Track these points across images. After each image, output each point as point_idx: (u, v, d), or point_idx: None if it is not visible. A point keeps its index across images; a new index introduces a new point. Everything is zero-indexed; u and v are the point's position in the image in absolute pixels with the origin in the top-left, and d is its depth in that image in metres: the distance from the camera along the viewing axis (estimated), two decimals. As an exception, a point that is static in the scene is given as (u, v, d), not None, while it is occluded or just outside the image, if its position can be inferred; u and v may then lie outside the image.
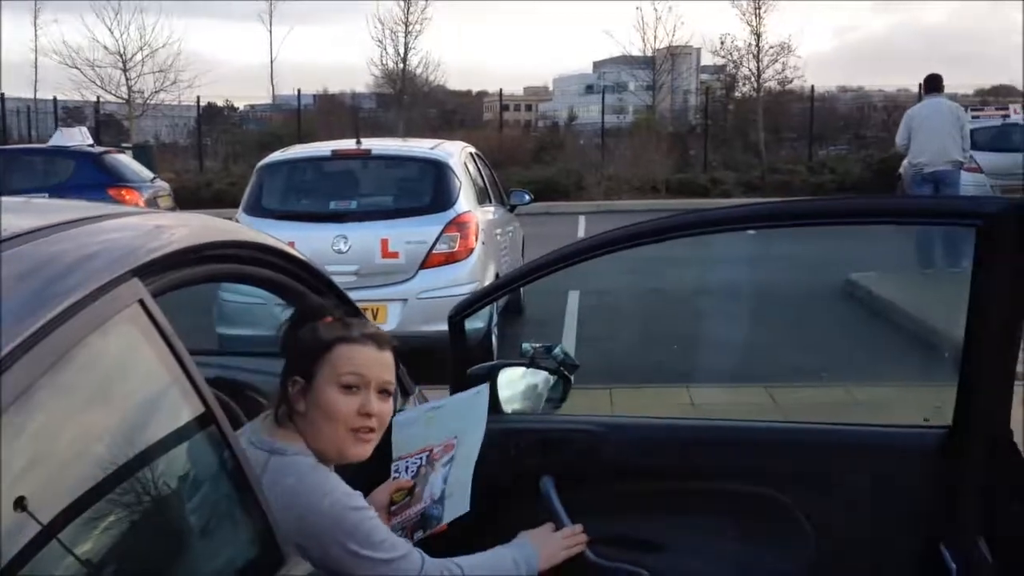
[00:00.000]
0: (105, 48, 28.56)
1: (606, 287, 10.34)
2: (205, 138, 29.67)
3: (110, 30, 28.81)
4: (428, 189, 7.44)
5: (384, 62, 32.12)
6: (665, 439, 2.52)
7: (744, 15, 28.79)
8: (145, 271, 1.40)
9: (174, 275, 1.51)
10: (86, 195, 12.36)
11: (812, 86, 29.49)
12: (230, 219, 7.66)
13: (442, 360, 2.76)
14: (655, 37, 32.46)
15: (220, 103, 39.41)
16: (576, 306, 9.94)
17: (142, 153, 19.78)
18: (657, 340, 8.69)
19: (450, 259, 7.14)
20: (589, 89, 64.59)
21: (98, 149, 15.14)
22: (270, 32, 51.02)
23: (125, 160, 15.11)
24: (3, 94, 27.74)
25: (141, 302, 1.36)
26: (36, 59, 33.49)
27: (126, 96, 28.82)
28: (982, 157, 13.30)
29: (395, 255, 7.05)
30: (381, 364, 2.03)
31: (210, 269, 1.67)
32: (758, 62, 28.01)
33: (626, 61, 39.32)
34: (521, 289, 8.32)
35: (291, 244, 8.19)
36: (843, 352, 8.19)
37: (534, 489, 2.44)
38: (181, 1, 64.88)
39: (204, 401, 1.43)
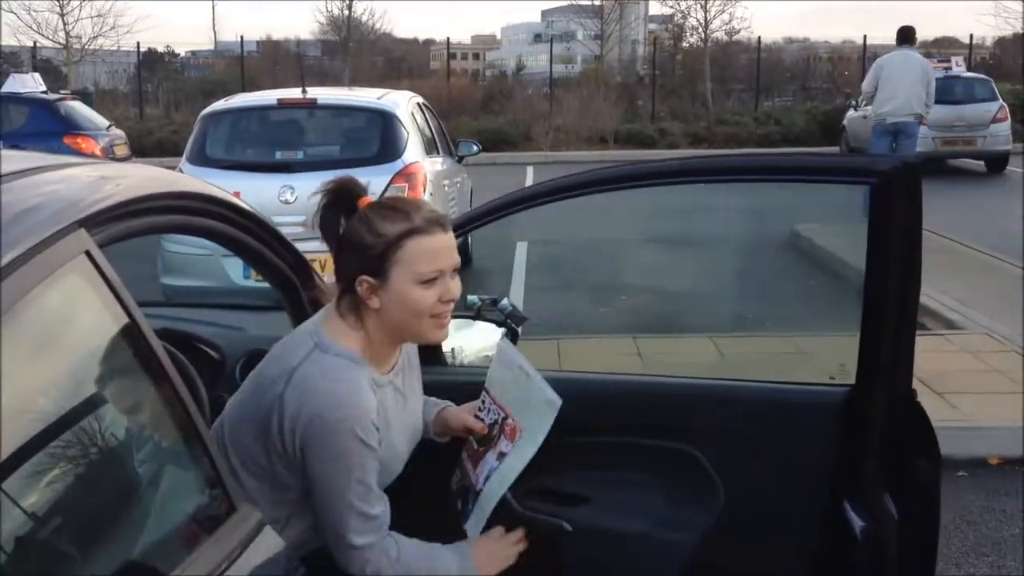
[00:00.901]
0: (41, -9, 27.80)
1: (554, 237, 10.36)
2: (146, 85, 29.07)
3: (46, -27, 28.02)
4: (375, 139, 7.37)
5: (329, 9, 31.68)
6: (590, 395, 2.54)
7: (692, -36, 28.70)
8: (91, 222, 1.39)
9: (120, 226, 1.50)
10: (42, 143, 12.10)
11: (759, 37, 29.63)
12: (173, 168, 7.55)
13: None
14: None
15: (161, 49, 38.66)
16: (524, 257, 9.96)
17: (81, 100, 19.34)
18: (605, 290, 8.75)
19: (398, 210, 7.11)
20: (537, 38, 64.17)
21: (52, 96, 14.77)
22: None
23: (80, 107, 14.77)
24: (-66, 38, 26.90)
25: (88, 253, 1.35)
26: (-32, 2, 32.46)
27: (63, 41, 28.11)
28: (925, 109, 13.45)
29: (342, 206, 7.01)
30: (451, 247, 1.97)
31: (156, 220, 1.66)
32: (705, 12, 28.00)
33: (574, 10, 39.09)
34: (468, 240, 8.32)
35: (237, 194, 8.09)
36: (786, 302, 8.32)
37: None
38: (119, -56, 63.02)
39: (153, 352, 1.43)
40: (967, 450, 4.96)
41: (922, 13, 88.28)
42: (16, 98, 14.00)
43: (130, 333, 1.40)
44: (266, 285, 2.52)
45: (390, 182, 7.07)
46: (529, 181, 17.15)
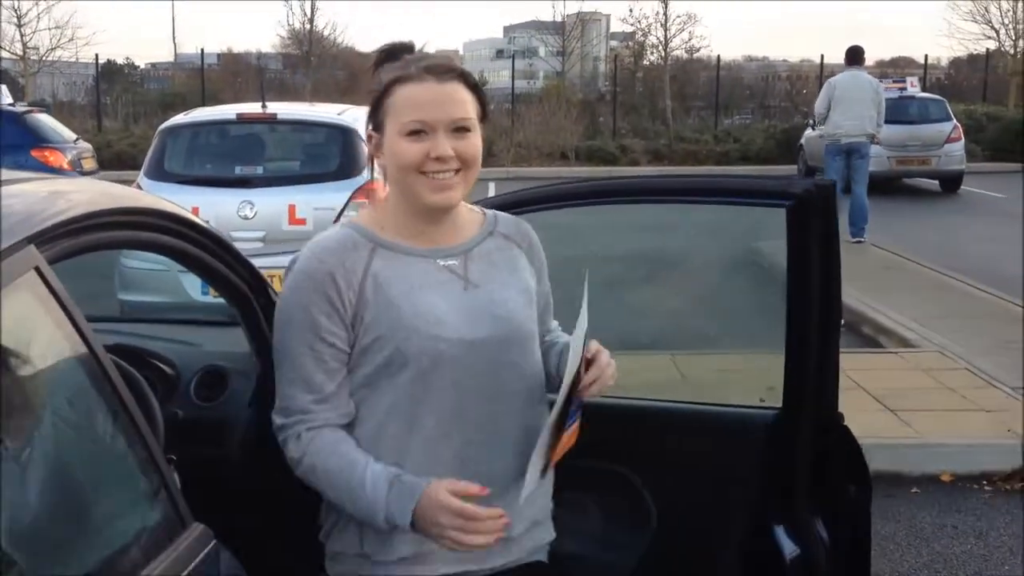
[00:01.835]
0: (-2, 2, 27.49)
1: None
2: (105, 97, 28.80)
3: (3, -17, 27.71)
4: (335, 155, 7.35)
5: (291, 22, 31.58)
6: None
7: (653, -17, 29.03)
8: (40, 238, 1.38)
9: (71, 242, 1.49)
10: (9, 156, 11.92)
11: (718, 56, 29.91)
12: (131, 181, 7.48)
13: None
14: (564, 4, 32.47)
15: (120, 61, 38.32)
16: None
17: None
18: (563, 307, 8.76)
19: (358, 225, 7.10)
20: (499, 54, 64.41)
21: (20, 108, 14.58)
22: (173, -11, 49.57)
23: (47, 120, 14.60)
24: None
25: (37, 269, 1.35)
26: (-77, 12, 32.02)
27: (21, 52, 27.80)
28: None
29: (302, 222, 6.97)
30: (445, 99, 1.81)
31: (108, 236, 1.65)
32: (665, 31, 28.25)
33: (536, 26, 39.28)
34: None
35: (195, 210, 8.02)
36: (745, 319, 8.38)
37: None
38: (79, -45, 62.50)
39: (102, 368, 1.42)
40: (920, 467, 5.02)
41: (879, 34, 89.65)
42: None
43: (79, 350, 1.39)
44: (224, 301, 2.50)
45: (350, 198, 7.06)
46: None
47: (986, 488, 4.90)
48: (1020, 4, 29.96)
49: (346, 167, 7.24)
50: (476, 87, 1.87)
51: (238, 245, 8.06)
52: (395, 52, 1.88)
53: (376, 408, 1.83)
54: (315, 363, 1.80)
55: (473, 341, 1.83)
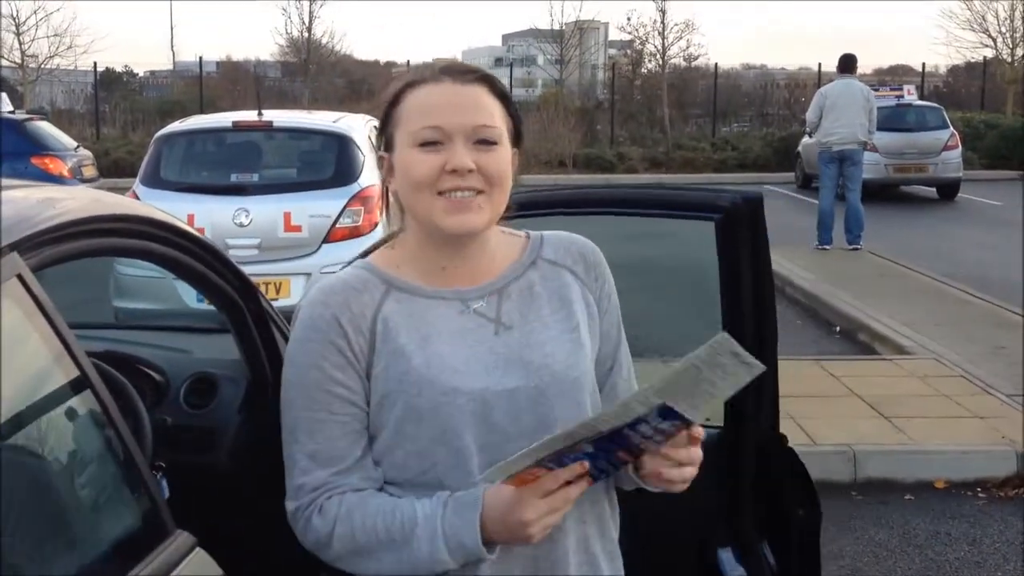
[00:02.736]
0: (-3, 10, 27.53)
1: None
2: (103, 105, 28.82)
3: (1, -8, 27.76)
4: (331, 162, 7.37)
5: (289, 30, 31.63)
6: None
7: (651, -8, 29.07)
8: (24, 245, 1.38)
9: (55, 249, 1.49)
10: (9, 164, 11.96)
11: (716, 63, 29.95)
12: (129, 189, 7.46)
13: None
14: (562, 11, 32.51)
15: (119, 69, 38.35)
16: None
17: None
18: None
19: (354, 233, 7.10)
20: (498, 62, 64.43)
21: (20, 116, 14.60)
22: (171, -4, 49.68)
23: (47, 128, 14.61)
24: None
25: (20, 277, 1.35)
26: (-78, 20, 32.06)
27: (19, 60, 27.83)
28: (877, 137, 13.66)
29: (298, 229, 6.98)
30: (465, 102, 1.50)
31: (94, 243, 1.65)
32: (663, 39, 28.30)
33: (535, 35, 39.32)
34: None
35: (190, 217, 8.03)
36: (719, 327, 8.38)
37: None
38: (78, -37, 62.65)
39: (85, 376, 1.43)
40: (914, 474, 5.03)
41: (877, 42, 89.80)
42: None
43: (62, 358, 1.40)
44: None
45: (346, 205, 7.08)
46: (488, 204, 17.18)
47: (980, 495, 4.90)
48: (1018, 12, 30.02)
49: (341, 174, 7.25)
50: (504, 96, 1.57)
51: (233, 252, 8.09)
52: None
53: (396, 477, 1.52)
54: (337, 428, 1.49)
55: (501, 393, 1.50)
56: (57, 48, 28.48)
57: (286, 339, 2.78)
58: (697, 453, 1.51)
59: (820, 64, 27.34)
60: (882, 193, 16.42)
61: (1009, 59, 30.10)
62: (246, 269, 8.10)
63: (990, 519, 4.65)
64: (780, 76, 43.84)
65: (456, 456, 1.48)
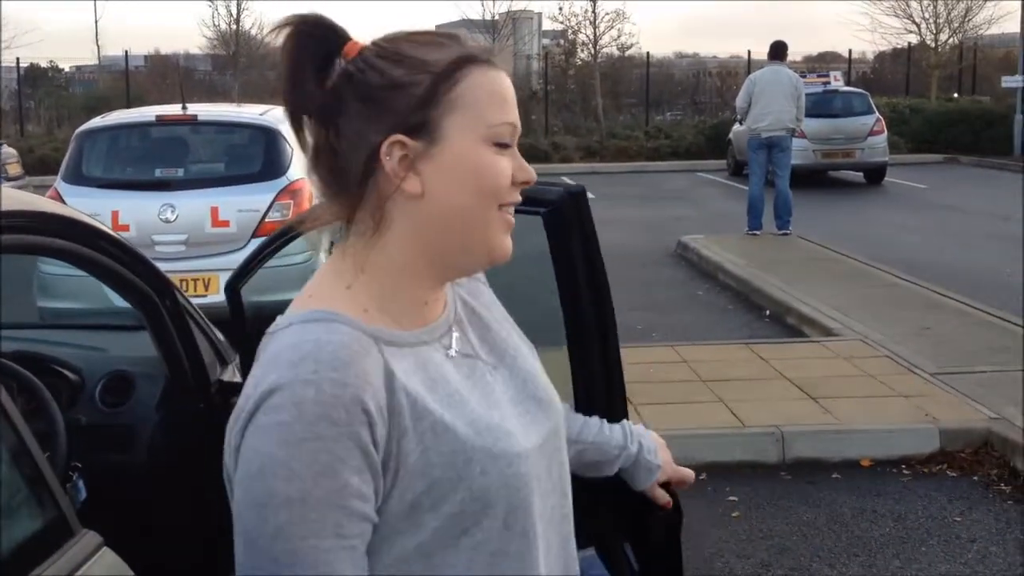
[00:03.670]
0: (-87, 5, 26.78)
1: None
2: (28, 101, 28.20)
3: (-82, -14, 27.00)
4: (258, 156, 7.28)
5: (216, 23, 31.15)
6: None
7: (581, -20, 29.17)
8: None
9: None
10: None
11: (648, 53, 30.15)
12: (48, 186, 7.26)
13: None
14: (493, 2, 32.47)
15: (44, 64, 37.52)
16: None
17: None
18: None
19: (283, 227, 7.04)
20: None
21: None
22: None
23: None
24: None
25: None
26: None
27: (-61, 57, 27.13)
28: (805, 123, 13.87)
29: (226, 224, 6.90)
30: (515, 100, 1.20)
31: (7, 239, 1.62)
32: (595, 28, 28.39)
33: (467, 25, 39.18)
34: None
35: (115, 214, 7.85)
36: (673, 312, 8.47)
37: None
38: (-2, -44, 61.02)
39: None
40: (840, 453, 5.12)
41: (806, 29, 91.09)
42: None
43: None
44: None
45: (274, 199, 7.00)
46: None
47: (905, 472, 5.01)
48: (940, -1, 30.61)
49: (270, 168, 7.17)
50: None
51: (160, 249, 7.94)
52: (328, 36, 1.17)
53: None
54: (346, 556, 1.05)
55: (542, 446, 1.23)
56: (-22, 44, 27.78)
57: (208, 336, 2.76)
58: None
59: (750, 52, 27.68)
60: (810, 178, 16.67)
61: (933, 44, 30.68)
62: (173, 265, 8.07)
63: (914, 495, 4.75)
64: (712, 64, 44.25)
65: (524, 540, 1.17)
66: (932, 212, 14.33)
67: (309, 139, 1.17)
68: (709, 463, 4.91)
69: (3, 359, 2.27)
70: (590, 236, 1.98)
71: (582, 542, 1.96)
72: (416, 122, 1.13)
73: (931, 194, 16.47)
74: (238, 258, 6.79)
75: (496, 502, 1.13)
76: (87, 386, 2.57)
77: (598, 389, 1.94)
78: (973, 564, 4.11)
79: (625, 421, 1.65)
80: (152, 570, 1.87)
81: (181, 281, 6.74)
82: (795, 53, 38.76)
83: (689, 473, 1.60)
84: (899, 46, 34.04)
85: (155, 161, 7.32)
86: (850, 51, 31.72)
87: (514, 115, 1.18)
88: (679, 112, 31.96)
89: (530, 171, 1.19)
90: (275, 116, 7.72)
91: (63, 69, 39.58)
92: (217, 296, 6.78)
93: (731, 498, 4.74)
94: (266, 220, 6.96)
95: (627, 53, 32.66)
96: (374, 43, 1.17)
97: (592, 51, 29.00)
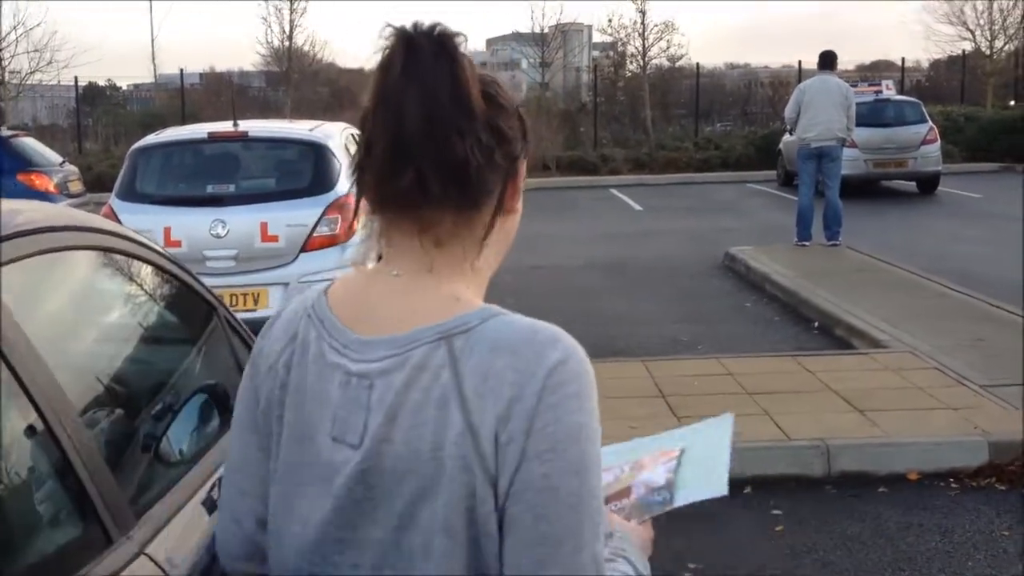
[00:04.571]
0: (-24, 28, 27.44)
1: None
2: (87, 119, 28.78)
3: (-20, 9, 27.68)
4: (308, 171, 7.39)
5: (270, 40, 31.56)
6: None
7: (631, -7, 29.11)
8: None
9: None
10: None
11: (697, 63, 30.01)
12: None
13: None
14: (543, 15, 32.53)
15: (102, 83, 38.29)
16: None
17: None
18: (541, 316, 8.78)
19: (331, 242, 7.12)
20: (483, 67, 64.40)
21: (6, 132, 14.62)
22: (151, 8, 49.55)
23: (33, 143, 14.63)
24: None
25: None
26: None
27: (0, 77, 27.76)
28: (856, 132, 13.70)
29: (275, 239, 7.01)
30: None
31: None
32: (644, 40, 28.35)
33: (518, 39, 39.32)
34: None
35: (167, 230, 7.97)
36: (719, 324, 8.43)
37: None
38: (58, -23, 62.49)
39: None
40: (887, 466, 5.07)
41: (858, 38, 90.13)
42: None
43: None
44: None
45: (323, 214, 7.10)
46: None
47: (952, 486, 4.95)
48: (995, 5, 30.18)
49: (318, 183, 7.28)
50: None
51: (211, 264, 8.05)
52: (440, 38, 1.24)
53: None
54: None
55: None
56: (38, 63, 28.41)
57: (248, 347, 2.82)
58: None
59: (800, 62, 27.46)
60: (862, 189, 16.51)
61: (988, 52, 30.24)
62: (223, 280, 8.18)
63: (962, 509, 4.69)
64: (763, 75, 43.95)
65: None
66: (986, 222, 14.11)
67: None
68: (753, 476, 4.90)
69: None
70: None
71: None
72: (523, 148, 1.31)
73: (985, 204, 16.22)
74: (287, 272, 6.99)
75: None
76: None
77: None
78: (1021, 579, 4.05)
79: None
80: None
81: (231, 296, 6.86)
82: (848, 62, 38.33)
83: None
84: (953, 54, 33.61)
85: (207, 177, 7.45)
86: (903, 59, 31.39)
87: None
88: (729, 123, 31.79)
89: None
90: (324, 132, 7.84)
91: (121, 87, 40.38)
92: (267, 310, 6.89)
93: (775, 512, 4.71)
94: (314, 235, 7.06)
95: (677, 64, 32.64)
96: (487, 78, 1.29)
97: (641, 62, 28.96)
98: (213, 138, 7.61)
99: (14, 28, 27.60)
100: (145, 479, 1.89)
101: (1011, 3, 29.89)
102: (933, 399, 5.78)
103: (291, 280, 6.98)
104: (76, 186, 14.48)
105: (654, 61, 29.60)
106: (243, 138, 7.60)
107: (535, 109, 27.42)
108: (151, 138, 7.74)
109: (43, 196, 12.46)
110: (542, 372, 1.16)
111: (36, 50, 28.01)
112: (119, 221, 6.67)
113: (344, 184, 7.36)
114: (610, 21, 30.48)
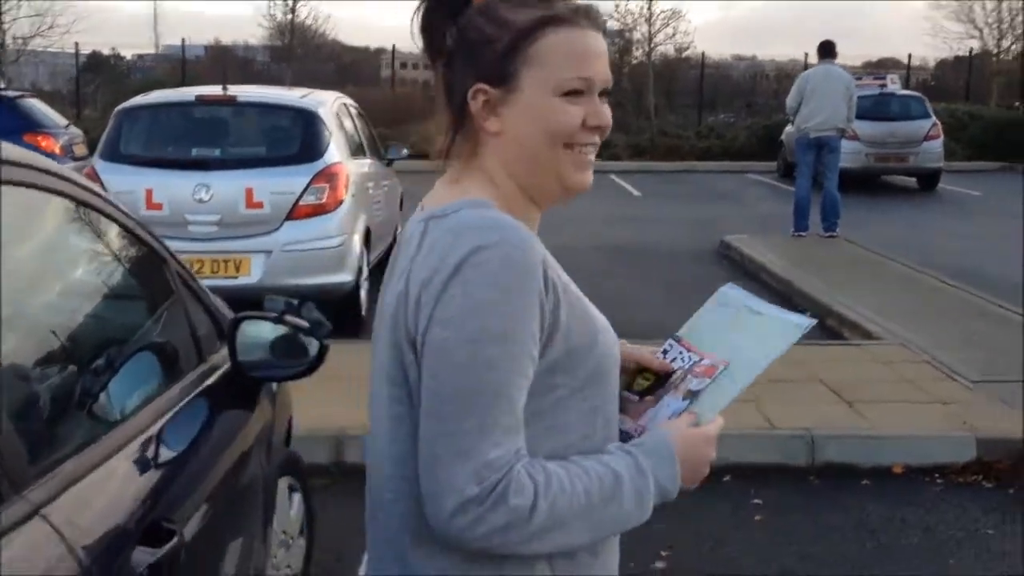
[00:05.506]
0: (-24, -10, 27.24)
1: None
2: (87, 87, 28.57)
3: (-19, -29, 27.47)
4: (296, 138, 7.26)
5: (272, 13, 31.37)
6: None
7: (637, -21, 28.94)
8: None
9: None
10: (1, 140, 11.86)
11: (703, 53, 29.86)
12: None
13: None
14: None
15: (106, 52, 38.09)
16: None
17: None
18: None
19: (318, 211, 6.99)
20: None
21: (12, 93, 14.52)
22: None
23: (39, 105, 14.53)
24: None
25: None
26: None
27: (1, 40, 27.55)
28: (859, 125, 13.58)
29: (259, 205, 6.87)
30: (604, 54, 1.42)
31: None
32: (650, 27, 28.16)
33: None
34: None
35: (148, 192, 7.85)
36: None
37: None
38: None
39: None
40: (872, 459, 4.95)
41: (866, 34, 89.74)
42: None
43: None
44: None
45: (310, 182, 6.97)
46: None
47: (938, 481, 4.83)
48: (1004, 3, 29.99)
49: (307, 150, 7.15)
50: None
51: (193, 229, 7.93)
52: None
53: (559, 441, 1.36)
54: (525, 393, 1.30)
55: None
56: (39, 28, 28.20)
57: (208, 311, 2.69)
58: None
59: (807, 55, 27.26)
60: (862, 182, 16.36)
61: (995, 50, 30.06)
62: (205, 246, 8.06)
63: (947, 505, 4.58)
64: (770, 67, 43.77)
65: (611, 420, 1.44)
66: (985, 219, 13.98)
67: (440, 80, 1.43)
68: (734, 464, 4.77)
69: None
70: None
71: None
72: (498, 73, 1.37)
73: (985, 201, 16.09)
74: (270, 240, 6.84)
75: (610, 371, 1.41)
76: None
77: None
78: (1004, 578, 3.94)
79: None
80: None
81: (212, 262, 6.73)
82: (855, 58, 38.16)
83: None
84: (960, 53, 33.41)
85: (193, 141, 7.32)
86: (909, 56, 31.12)
87: (592, 70, 1.38)
88: (732, 114, 31.62)
89: (602, 117, 1.40)
90: (315, 99, 7.69)
91: (124, 57, 40.16)
92: (248, 278, 6.77)
93: (755, 501, 4.60)
94: (300, 203, 6.93)
95: (683, 55, 32.44)
96: (482, 3, 1.39)
97: (647, 49, 28.76)
98: (201, 101, 7.48)
99: (14, -9, 27.43)
100: (63, 435, 1.76)
101: (1021, 3, 29.70)
102: (923, 393, 5.66)
103: (275, 248, 6.85)
104: (81, 149, 14.38)
105: (660, 48, 29.43)
106: (232, 102, 7.47)
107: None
108: (138, 99, 7.61)
109: (49, 158, 12.35)
110: (467, 248, 1.27)
111: (38, 14, 27.84)
112: (100, 182, 6.53)
113: (333, 153, 7.22)
114: (617, 7, 30.10)
